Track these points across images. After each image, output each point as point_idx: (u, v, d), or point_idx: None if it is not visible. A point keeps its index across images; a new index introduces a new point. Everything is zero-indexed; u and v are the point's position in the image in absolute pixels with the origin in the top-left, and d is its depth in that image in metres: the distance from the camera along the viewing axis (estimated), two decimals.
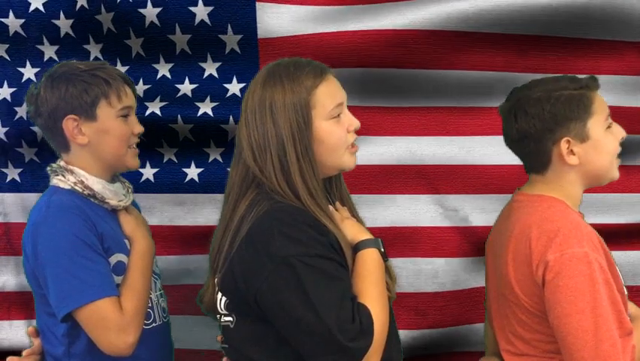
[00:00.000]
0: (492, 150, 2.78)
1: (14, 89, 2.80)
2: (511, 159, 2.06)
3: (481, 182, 2.81)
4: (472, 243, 2.82)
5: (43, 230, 1.96)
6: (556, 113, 1.89)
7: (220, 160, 2.82)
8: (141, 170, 2.80)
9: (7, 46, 2.78)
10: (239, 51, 2.74)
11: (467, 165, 2.81)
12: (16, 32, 2.75)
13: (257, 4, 2.69)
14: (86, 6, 2.71)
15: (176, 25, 2.70)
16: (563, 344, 1.78)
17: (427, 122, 2.82)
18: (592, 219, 2.07)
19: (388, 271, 1.83)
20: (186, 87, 2.77)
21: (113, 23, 2.72)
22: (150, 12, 2.68)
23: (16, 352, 2.09)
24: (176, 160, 2.83)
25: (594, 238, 1.85)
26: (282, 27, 2.70)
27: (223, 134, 2.78)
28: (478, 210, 2.82)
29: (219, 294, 1.81)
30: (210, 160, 2.83)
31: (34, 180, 2.81)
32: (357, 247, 1.77)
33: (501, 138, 2.03)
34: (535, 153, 1.93)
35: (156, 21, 2.69)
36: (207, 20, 2.70)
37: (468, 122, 2.81)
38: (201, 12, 2.68)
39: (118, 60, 2.77)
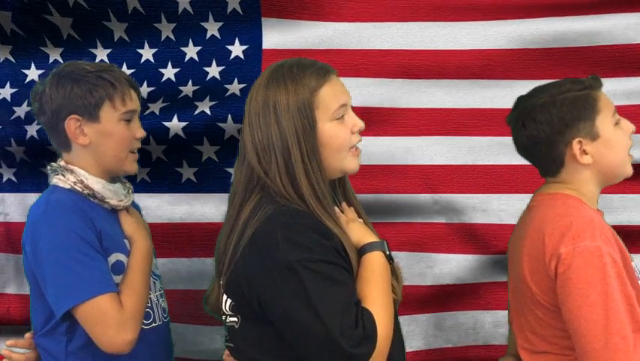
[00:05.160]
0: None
1: (15, 89, 2.83)
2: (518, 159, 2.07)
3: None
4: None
5: (41, 228, 1.95)
6: (564, 115, 1.91)
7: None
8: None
9: (11, 47, 2.81)
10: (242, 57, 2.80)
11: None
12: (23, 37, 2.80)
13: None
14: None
15: (190, 40, 2.79)
16: (575, 337, 1.79)
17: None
18: None
19: (395, 274, 1.82)
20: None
21: (126, 33, 2.78)
22: (166, 26, 2.78)
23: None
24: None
25: (608, 232, 1.86)
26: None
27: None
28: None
29: (224, 296, 1.81)
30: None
31: (34, 179, 2.81)
32: (362, 250, 1.76)
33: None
34: (548, 157, 1.96)
35: (172, 36, 2.78)
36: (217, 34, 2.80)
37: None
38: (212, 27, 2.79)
39: (124, 64, 2.81)
